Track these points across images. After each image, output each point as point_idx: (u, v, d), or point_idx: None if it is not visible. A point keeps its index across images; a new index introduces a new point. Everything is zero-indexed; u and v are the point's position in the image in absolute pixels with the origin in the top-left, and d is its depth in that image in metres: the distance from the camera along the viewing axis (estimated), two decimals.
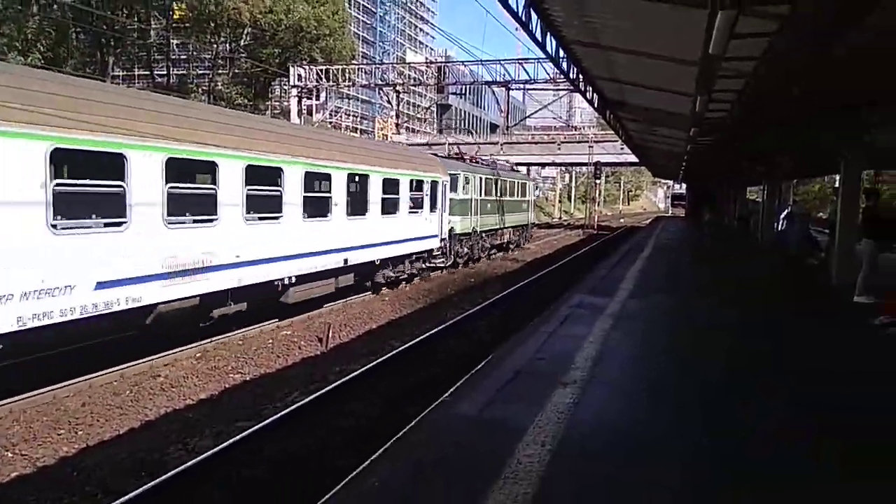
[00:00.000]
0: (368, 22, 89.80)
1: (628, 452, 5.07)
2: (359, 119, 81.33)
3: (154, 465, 6.68)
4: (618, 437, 5.37)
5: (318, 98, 52.59)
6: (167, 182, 9.26)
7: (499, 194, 28.12)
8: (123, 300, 8.77)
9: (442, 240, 20.51)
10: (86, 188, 8.48)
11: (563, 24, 10.89)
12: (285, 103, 52.86)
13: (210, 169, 10.33)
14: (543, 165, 59.99)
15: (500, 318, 14.44)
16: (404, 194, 17.30)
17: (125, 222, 8.71)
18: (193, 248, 9.98)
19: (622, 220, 76.46)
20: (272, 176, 11.87)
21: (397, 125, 61.84)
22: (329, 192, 13.83)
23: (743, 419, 5.93)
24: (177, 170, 9.58)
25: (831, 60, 9.14)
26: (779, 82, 10.90)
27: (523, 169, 49.89)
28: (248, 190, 11.05)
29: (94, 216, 8.85)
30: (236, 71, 51.09)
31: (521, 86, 41.72)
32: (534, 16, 10.07)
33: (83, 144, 7.98)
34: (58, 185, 7.74)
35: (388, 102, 61.43)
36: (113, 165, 8.48)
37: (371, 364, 10.03)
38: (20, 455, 6.92)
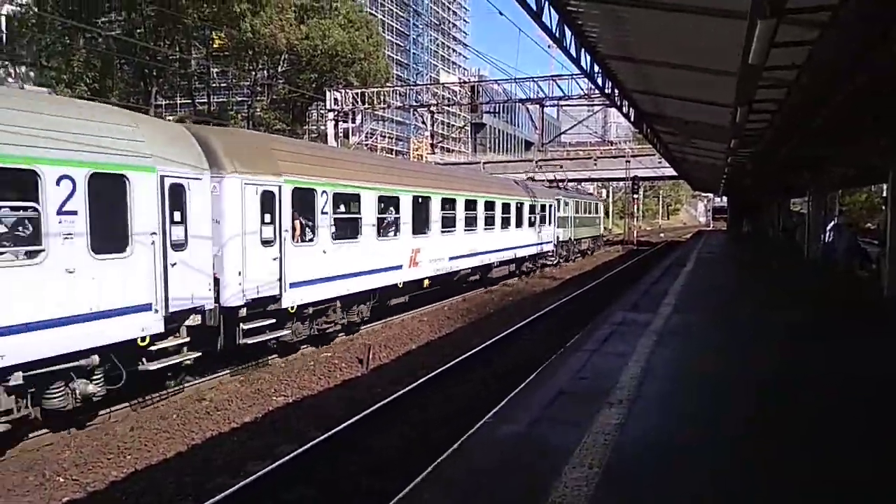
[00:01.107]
0: (402, 45, 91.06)
1: (678, 476, 4.92)
2: (394, 140, 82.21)
3: (200, 489, 6.74)
4: (666, 460, 5.22)
5: (353, 121, 53.32)
6: (465, 210, 19.28)
7: (583, 212, 37.61)
8: (454, 266, 18.59)
9: (554, 245, 30.07)
10: (448, 215, 18.17)
11: (597, 40, 10.85)
12: (322, 127, 53.72)
13: (474, 203, 20.16)
14: (579, 181, 59.58)
15: (534, 346, 14.29)
16: (537, 214, 27.04)
17: (454, 230, 18.58)
18: (470, 243, 19.75)
19: (662, 235, 75.21)
20: (491, 205, 21.67)
21: (432, 145, 62.27)
22: (509, 213, 23.48)
23: (791, 443, 5.69)
24: (469, 204, 19.69)
25: (873, 66, 8.89)
26: (822, 90, 10.65)
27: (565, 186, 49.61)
28: (485, 213, 20.93)
29: (449, 227, 18.26)
30: (274, 97, 52.13)
31: (555, 102, 41.61)
32: (567, 32, 10.05)
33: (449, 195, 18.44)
34: (444, 214, 17.83)
35: (423, 123, 62.04)
36: (452, 205, 18.56)
37: (410, 386, 9.99)
38: (71, 480, 7.06)
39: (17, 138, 6.96)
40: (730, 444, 5.63)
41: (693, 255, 28.21)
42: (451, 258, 18.20)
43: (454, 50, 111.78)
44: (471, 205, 19.84)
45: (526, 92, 40.91)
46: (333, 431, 7.88)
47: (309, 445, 7.43)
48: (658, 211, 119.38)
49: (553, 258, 30.20)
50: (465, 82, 65.59)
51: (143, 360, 8.83)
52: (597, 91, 21.78)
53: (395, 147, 79.77)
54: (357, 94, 46.26)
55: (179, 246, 9.21)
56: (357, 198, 13.74)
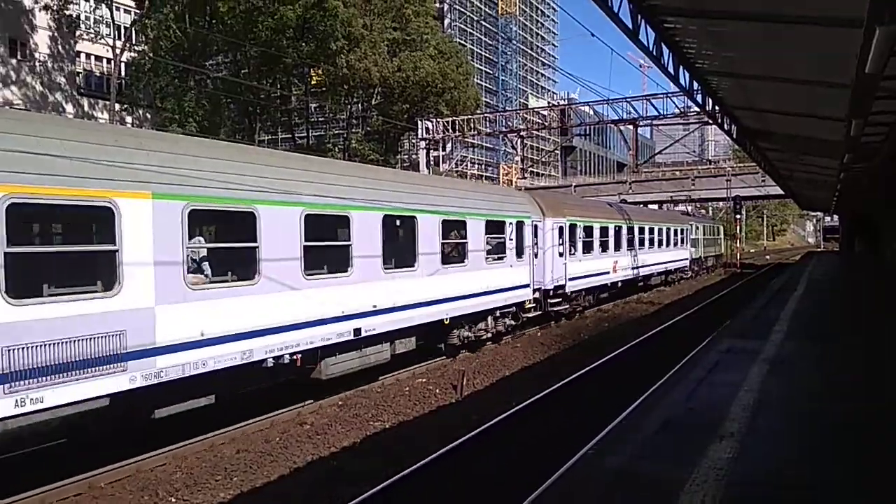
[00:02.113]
0: (490, 72, 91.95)
1: None
2: (483, 166, 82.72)
3: None
4: (785, 501, 4.84)
5: (444, 149, 54.19)
6: (637, 235, 27.19)
7: (708, 234, 43.59)
8: (632, 275, 26.63)
9: (689, 261, 37.03)
10: (628, 238, 25.96)
11: (696, 56, 10.53)
12: (413, 156, 54.89)
13: (643, 230, 28.01)
14: (676, 202, 57.68)
15: (633, 375, 13.77)
16: (678, 236, 34.45)
17: (633, 249, 26.42)
18: (641, 258, 27.24)
19: (767, 258, 71.43)
20: (652, 230, 29.48)
21: (522, 170, 62.19)
22: (662, 236, 31.25)
23: None
24: (640, 230, 27.69)
25: None
26: None
27: (654, 206, 48.38)
28: (648, 237, 28.73)
29: (629, 247, 26.22)
30: (368, 128, 53.79)
31: (650, 122, 40.69)
32: (665, 50, 9.79)
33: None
34: (628, 237, 26.06)
35: (513, 148, 62.12)
36: (631, 231, 26.63)
37: (507, 413, 9.83)
38: (182, 500, 7.37)
39: (501, 209, 15.90)
40: (853, 485, 5.16)
41: (803, 279, 26.56)
42: (632, 268, 26.35)
43: (543, 74, 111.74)
44: (640, 231, 27.58)
45: (618, 112, 40.31)
46: (430, 458, 7.84)
47: (407, 472, 7.42)
48: (762, 231, 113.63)
49: (688, 272, 37.11)
50: (554, 106, 65.37)
51: (521, 313, 17.05)
52: (693, 109, 21.27)
53: (484, 173, 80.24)
54: (448, 122, 47.05)
55: (535, 255, 17.52)
56: (591, 228, 22.05)
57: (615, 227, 24.60)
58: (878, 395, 7.80)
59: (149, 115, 45.31)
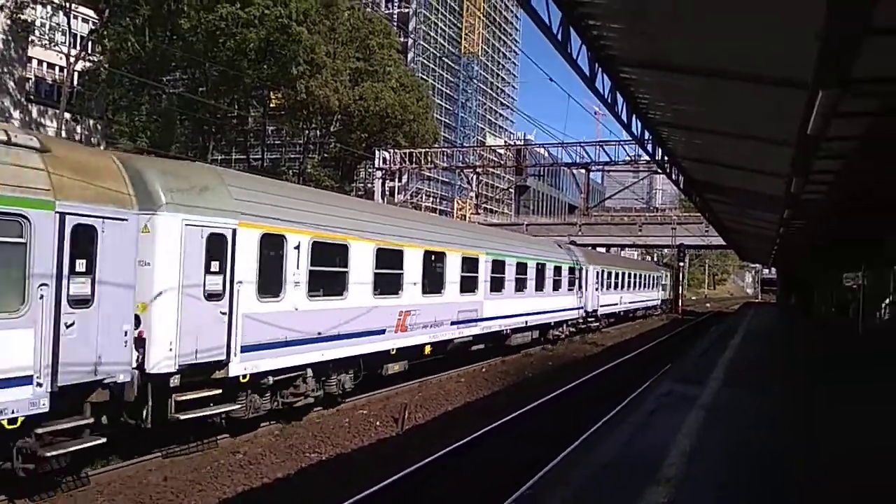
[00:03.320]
0: (450, 108, 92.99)
1: None
2: (438, 200, 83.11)
3: None
4: None
5: (400, 180, 54.34)
6: (633, 279, 37.78)
7: (671, 281, 52.51)
8: (628, 307, 37.24)
9: (661, 301, 47.04)
10: (629, 280, 36.57)
11: (649, 107, 10.84)
12: (369, 185, 54.82)
13: (636, 275, 38.78)
14: (623, 248, 58.92)
15: (573, 416, 13.81)
16: (656, 281, 45.22)
17: (629, 288, 36.25)
18: (632, 297, 37.65)
19: (708, 305, 73.52)
20: (639, 276, 39.38)
21: (476, 206, 62.74)
22: (648, 281, 42.15)
23: None
24: (634, 276, 38.20)
25: None
26: (881, 163, 10.37)
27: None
28: (638, 280, 39.35)
29: (626, 287, 36.06)
30: (325, 155, 53.51)
31: (601, 167, 41.73)
32: (619, 98, 10.07)
33: None
34: (628, 280, 36.21)
35: (468, 184, 62.75)
36: (631, 276, 37.58)
37: (449, 448, 9.67)
38: None
39: (573, 260, 25.72)
40: None
41: (741, 328, 27.34)
42: (630, 302, 36.44)
43: (501, 114, 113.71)
44: (636, 276, 37.56)
45: (572, 156, 41.24)
46: (364, 494, 7.61)
47: None
48: (704, 280, 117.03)
49: (658, 309, 46.36)
50: (511, 145, 66.47)
51: (576, 325, 26.62)
52: (643, 157, 21.96)
53: (438, 206, 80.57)
54: (405, 153, 47.26)
55: (580, 289, 26.13)
56: (611, 273, 31.26)
57: (624, 273, 34.36)
58: (808, 443, 7.99)
59: (99, 127, 44.08)
